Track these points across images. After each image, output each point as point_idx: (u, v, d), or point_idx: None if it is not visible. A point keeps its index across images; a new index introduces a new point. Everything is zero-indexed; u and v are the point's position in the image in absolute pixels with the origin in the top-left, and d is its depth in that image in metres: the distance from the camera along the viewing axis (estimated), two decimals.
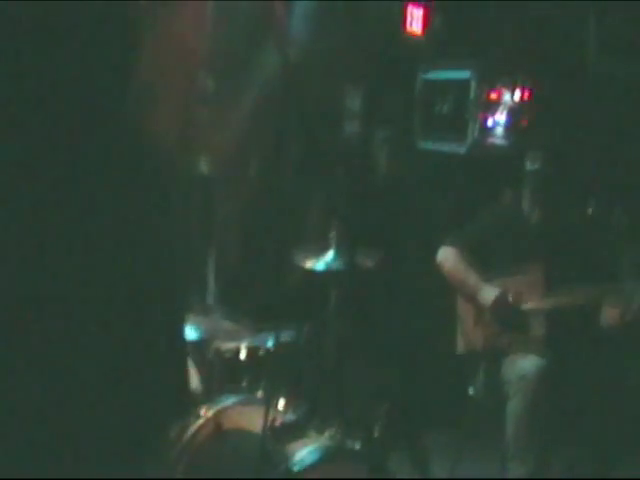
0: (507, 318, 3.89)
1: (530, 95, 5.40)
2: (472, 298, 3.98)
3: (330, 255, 3.48)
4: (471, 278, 3.98)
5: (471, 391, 4.04)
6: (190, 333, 3.24)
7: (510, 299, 3.90)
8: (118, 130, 1.71)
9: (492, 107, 5.28)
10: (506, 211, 4.20)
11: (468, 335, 4.01)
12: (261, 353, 3.28)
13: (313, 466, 2.69)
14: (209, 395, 3.14)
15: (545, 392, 3.68)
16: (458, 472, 4.10)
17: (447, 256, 4.06)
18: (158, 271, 1.80)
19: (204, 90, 3.62)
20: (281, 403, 3.06)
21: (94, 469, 1.70)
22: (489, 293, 3.91)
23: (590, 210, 3.94)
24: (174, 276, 1.89)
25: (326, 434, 2.88)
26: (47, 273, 1.64)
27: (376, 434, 1.73)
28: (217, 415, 2.97)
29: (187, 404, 2.54)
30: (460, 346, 4.06)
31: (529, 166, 4.06)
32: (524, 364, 3.77)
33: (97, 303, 1.68)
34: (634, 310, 3.76)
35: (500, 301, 3.88)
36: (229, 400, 3.05)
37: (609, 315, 3.81)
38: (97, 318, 1.69)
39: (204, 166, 3.91)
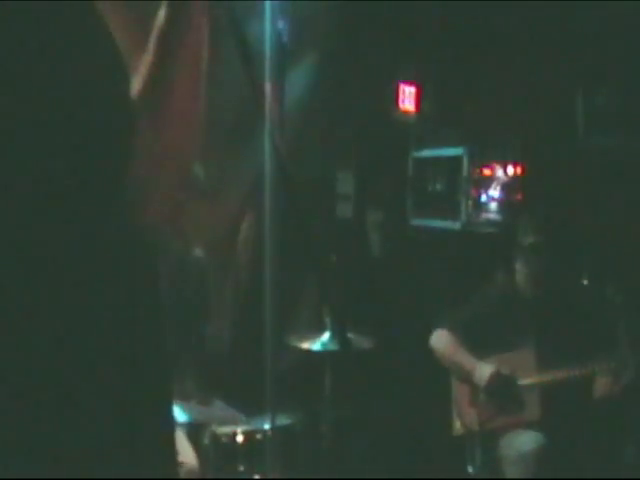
0: (502, 396, 3.87)
1: (523, 170, 5.46)
2: (467, 379, 3.96)
3: (326, 336, 3.50)
4: (465, 359, 3.97)
5: (470, 469, 4.01)
6: (186, 418, 3.23)
7: (505, 376, 3.88)
8: (109, 210, 1.72)
9: (485, 182, 5.34)
10: (498, 290, 4.20)
11: (464, 416, 3.99)
12: (258, 437, 3.27)
13: None
14: (204, 478, 3.12)
15: (544, 472, 3.64)
16: None
17: (440, 339, 4.06)
18: (147, 353, 1.79)
19: (194, 179, 3.66)
20: None
21: None
22: (483, 372, 3.90)
23: (585, 283, 3.94)
24: (165, 358, 1.88)
25: None
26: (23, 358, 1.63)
27: None
28: None
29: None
30: (456, 428, 4.03)
31: (522, 240, 4.09)
32: (522, 440, 3.74)
33: (83, 388, 1.67)
34: (625, 379, 3.75)
35: (495, 378, 3.87)
36: None
37: (601, 385, 3.80)
38: (82, 403, 1.67)
39: (198, 251, 3.94)
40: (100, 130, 1.66)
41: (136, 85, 1.66)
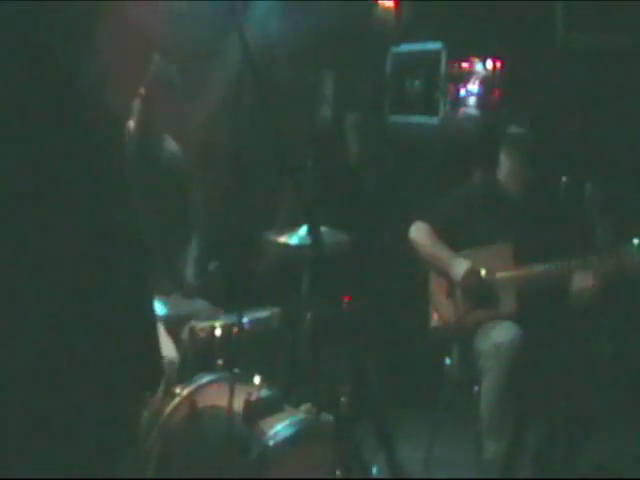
0: (478, 291, 3.89)
1: (502, 65, 5.39)
2: (444, 272, 3.97)
3: (304, 229, 3.48)
4: (442, 252, 3.98)
5: (447, 361, 4.05)
6: (165, 312, 3.24)
7: (481, 272, 3.90)
8: (75, 108, 1.69)
9: (464, 77, 5.28)
10: (477, 185, 4.18)
11: (441, 310, 4.01)
12: (236, 331, 3.27)
13: (288, 440, 2.69)
14: (184, 374, 3.14)
15: (519, 365, 3.68)
16: (434, 451, 4.13)
17: (419, 232, 4.05)
18: (126, 250, 1.78)
19: (170, 78, 3.60)
20: (256, 379, 3.05)
21: (64, 453, 1.69)
22: (460, 266, 3.90)
23: (564, 180, 3.92)
24: (142, 256, 1.87)
25: (301, 409, 2.88)
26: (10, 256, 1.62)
27: (342, 409, 1.73)
28: (192, 394, 2.97)
29: (159, 383, 2.53)
30: (433, 321, 4.06)
31: (503, 134, 4.06)
32: (498, 333, 3.76)
33: (62, 283, 1.66)
34: (602, 275, 3.77)
35: (471, 274, 3.88)
36: (204, 379, 3.05)
37: (579, 283, 3.82)
38: (62, 298, 1.66)
39: (177, 147, 3.90)
40: None
41: None
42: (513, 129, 4.05)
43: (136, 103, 3.46)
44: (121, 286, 1.76)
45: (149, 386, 1.97)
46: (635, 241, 3.75)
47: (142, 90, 3.42)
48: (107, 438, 1.79)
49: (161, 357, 2.05)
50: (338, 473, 1.74)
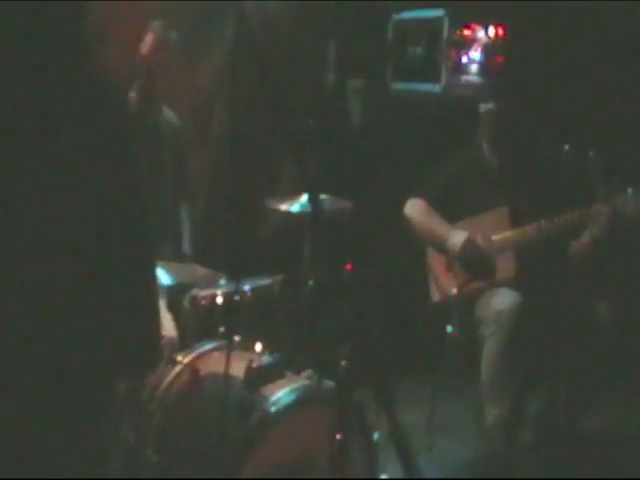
0: (477, 261, 3.89)
1: (504, 31, 5.35)
2: (441, 246, 3.97)
3: (305, 197, 3.47)
4: (439, 227, 3.96)
5: (449, 329, 4.06)
6: (166, 280, 3.24)
7: (478, 242, 3.89)
8: (74, 73, 1.68)
9: (466, 44, 5.24)
10: (472, 155, 4.15)
11: (440, 282, 4.01)
12: (237, 299, 3.28)
13: (290, 406, 2.71)
14: (186, 342, 3.15)
15: (520, 330, 3.69)
16: (435, 417, 4.15)
17: (414, 209, 4.03)
18: (126, 217, 1.78)
19: (168, 43, 3.58)
20: (258, 346, 3.07)
21: (64, 419, 1.69)
22: (457, 238, 3.89)
23: (566, 148, 3.91)
24: (143, 222, 1.87)
25: (303, 375, 2.90)
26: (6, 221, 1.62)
27: (342, 374, 1.74)
28: (194, 361, 2.98)
29: (160, 351, 2.54)
30: (433, 294, 4.06)
31: (483, 107, 4.04)
32: (498, 300, 3.77)
33: (61, 249, 1.66)
34: (599, 238, 3.77)
35: (468, 245, 3.87)
36: (206, 346, 3.07)
37: (575, 244, 3.82)
38: (62, 266, 1.66)
39: (175, 116, 3.89)
40: None
41: None
42: (486, 106, 4.03)
43: (136, 71, 3.45)
44: (123, 258, 1.75)
45: (148, 366, 1.97)
46: (629, 190, 3.74)
47: (141, 58, 3.41)
48: (105, 408, 1.79)
49: (160, 338, 2.06)
50: (338, 437, 1.76)
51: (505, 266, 3.89)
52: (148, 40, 3.49)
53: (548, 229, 3.82)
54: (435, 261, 4.04)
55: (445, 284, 3.99)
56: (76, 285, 1.67)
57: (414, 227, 4.03)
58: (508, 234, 3.88)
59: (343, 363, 1.76)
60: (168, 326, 3.14)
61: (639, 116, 5.07)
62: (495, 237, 3.90)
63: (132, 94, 3.55)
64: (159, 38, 3.51)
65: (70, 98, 1.65)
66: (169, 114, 3.84)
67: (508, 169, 4.00)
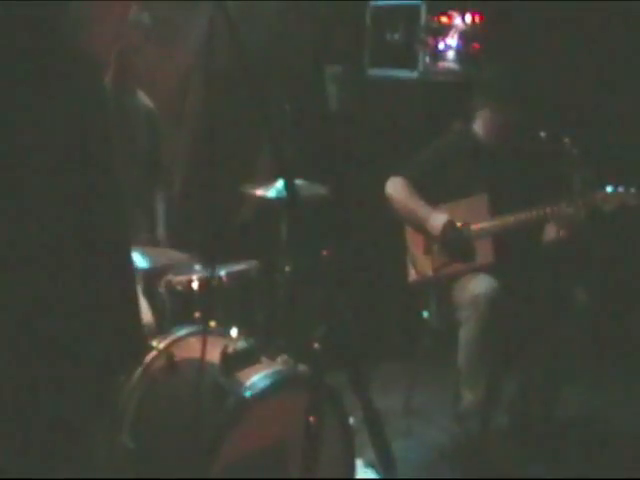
0: (455, 244, 3.90)
1: (481, 18, 5.36)
2: (421, 227, 3.98)
3: (281, 183, 3.46)
4: (419, 207, 3.97)
5: (425, 314, 4.08)
6: (142, 265, 3.24)
7: (457, 225, 3.91)
8: (55, 52, 1.67)
9: (443, 31, 5.24)
10: (453, 138, 4.17)
11: (418, 264, 4.03)
12: (213, 284, 3.28)
13: (265, 391, 2.71)
14: (162, 327, 3.15)
15: (496, 315, 3.71)
16: (412, 401, 4.17)
17: (395, 186, 4.05)
18: (102, 203, 1.77)
19: (140, 25, 3.56)
20: (233, 332, 3.07)
21: (41, 406, 1.68)
22: (437, 220, 3.91)
23: (542, 134, 3.92)
24: (119, 208, 1.86)
25: (278, 360, 2.90)
26: None
27: (316, 357, 1.74)
28: (169, 347, 2.98)
29: (139, 338, 2.53)
30: (411, 275, 4.07)
31: (484, 87, 4.07)
32: (475, 285, 3.79)
33: (37, 236, 1.65)
34: (576, 226, 3.79)
35: (448, 227, 3.89)
36: (181, 331, 3.06)
37: (552, 230, 3.85)
38: (37, 254, 1.65)
39: (149, 100, 3.87)
40: None
41: None
42: (488, 74, 4.07)
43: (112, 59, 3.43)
44: (101, 244, 1.75)
45: (133, 360, 1.96)
46: (608, 188, 3.77)
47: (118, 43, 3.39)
48: (82, 393, 1.78)
49: (142, 329, 2.05)
50: (311, 420, 1.76)
51: (482, 251, 3.91)
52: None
53: (526, 221, 3.84)
54: (413, 242, 4.05)
55: (422, 265, 4.00)
56: (56, 277, 1.66)
57: (394, 205, 4.05)
58: (486, 225, 3.90)
59: (316, 346, 1.75)
60: (144, 312, 3.14)
61: (618, 104, 5.09)
62: (475, 226, 3.91)
63: (106, 78, 3.53)
64: (132, 21, 3.49)
65: (47, 81, 1.64)
66: (144, 98, 3.82)
67: (498, 155, 4.02)
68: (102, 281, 1.75)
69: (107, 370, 1.82)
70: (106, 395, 1.88)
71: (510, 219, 3.86)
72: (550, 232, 3.86)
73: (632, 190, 3.76)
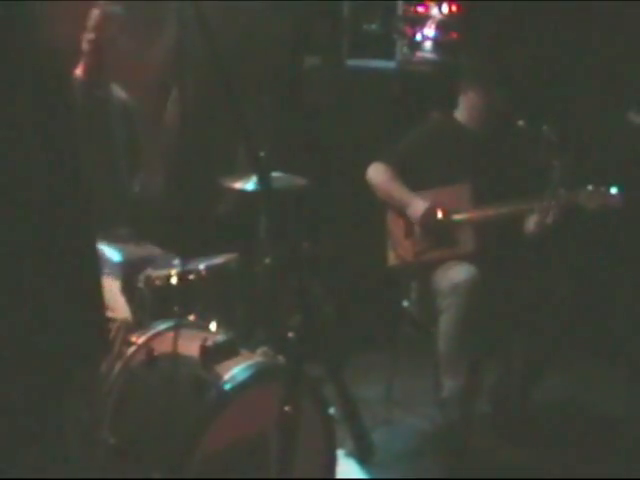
0: (436, 230, 3.93)
1: (458, 8, 5.37)
2: (402, 212, 4.00)
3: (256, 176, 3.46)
4: (401, 192, 3.99)
5: (405, 303, 4.10)
6: (120, 261, 3.24)
7: (438, 214, 3.93)
8: (19, 47, 1.67)
9: (420, 21, 5.26)
10: (435, 125, 4.19)
11: (399, 249, 4.04)
12: (192, 278, 3.29)
13: (245, 383, 2.72)
14: (141, 323, 3.15)
15: (476, 303, 3.73)
16: (393, 388, 4.19)
17: (377, 172, 4.06)
18: (70, 196, 1.77)
19: (114, 17, 3.55)
20: (212, 325, 3.08)
21: (13, 406, 1.68)
22: (418, 206, 3.93)
23: (521, 123, 3.94)
24: (87, 201, 1.85)
25: (258, 352, 2.91)
26: None
27: (290, 345, 1.76)
28: (148, 341, 2.99)
29: (106, 330, 2.53)
30: (391, 260, 4.09)
31: (465, 76, 4.09)
32: (455, 273, 3.81)
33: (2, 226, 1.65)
34: (556, 217, 3.81)
35: (429, 213, 3.91)
36: (160, 326, 3.07)
37: (532, 221, 3.87)
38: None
39: (126, 94, 3.86)
40: None
41: None
42: (473, 58, 4.08)
43: (83, 48, 3.42)
44: (66, 232, 1.75)
45: (96, 346, 1.96)
46: (589, 187, 3.80)
47: (89, 34, 3.38)
48: (55, 390, 1.78)
49: (106, 319, 2.05)
50: (287, 409, 1.77)
51: (464, 239, 3.93)
52: (94, 14, 3.45)
53: (509, 214, 3.87)
54: (395, 228, 4.07)
55: (403, 249, 4.02)
56: (21, 265, 1.66)
57: (376, 191, 4.06)
58: (469, 215, 3.92)
59: (291, 335, 1.77)
60: (121, 307, 3.14)
61: (595, 96, 5.11)
62: (456, 216, 3.93)
63: (78, 70, 3.51)
64: (104, 12, 3.48)
65: (14, 71, 1.64)
66: (120, 92, 3.80)
67: (479, 144, 4.04)
68: (65, 270, 1.75)
69: (69, 360, 1.82)
70: (72, 385, 1.87)
71: (491, 211, 3.88)
72: (531, 223, 3.88)
73: (613, 191, 3.79)
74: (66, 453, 1.77)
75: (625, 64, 5.02)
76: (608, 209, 3.77)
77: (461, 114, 4.12)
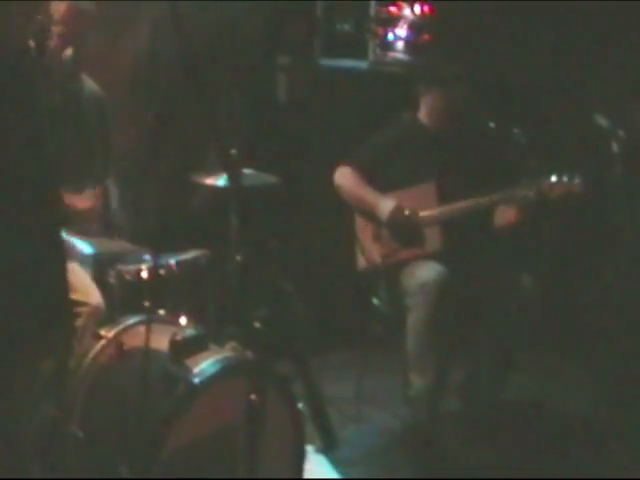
0: (403, 230, 3.95)
1: (431, 10, 5.41)
2: (369, 214, 4.02)
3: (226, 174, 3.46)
4: (368, 195, 4.02)
5: (375, 301, 4.12)
6: (91, 255, 3.24)
7: (406, 212, 3.95)
8: None
9: (392, 22, 5.29)
10: (400, 127, 4.22)
11: (367, 251, 4.06)
12: (162, 273, 3.29)
13: (214, 377, 2.73)
14: (112, 317, 3.15)
15: (444, 301, 3.76)
16: (363, 386, 4.21)
17: (343, 176, 4.09)
18: (38, 185, 1.77)
19: (85, 12, 3.53)
20: (182, 320, 3.08)
21: None
22: (385, 206, 3.95)
23: (492, 125, 3.98)
24: (46, 174, 1.85)
25: (227, 347, 2.92)
26: None
27: (256, 336, 1.77)
28: (118, 335, 2.99)
29: (67, 325, 2.53)
30: (360, 263, 4.11)
31: (431, 76, 4.12)
32: (423, 272, 3.84)
33: None
34: (524, 213, 3.86)
35: (396, 213, 3.93)
36: (130, 320, 3.07)
37: (503, 216, 3.91)
38: None
39: (98, 88, 3.84)
40: None
41: None
42: (428, 60, 4.12)
43: (52, 43, 3.40)
44: (32, 222, 1.75)
45: (57, 327, 1.96)
46: (553, 177, 3.84)
47: (58, 27, 3.36)
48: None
49: (69, 299, 2.04)
50: (253, 397, 1.78)
51: (431, 238, 3.96)
52: (62, 6, 3.43)
53: (475, 209, 3.90)
54: (363, 232, 4.09)
55: (371, 253, 4.04)
56: None
57: (344, 195, 4.08)
58: (434, 212, 3.95)
59: (257, 325, 1.78)
60: (94, 294, 3.14)
61: (566, 96, 5.16)
62: (423, 214, 3.96)
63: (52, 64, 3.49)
64: (72, 7, 3.46)
65: None
66: (90, 83, 3.79)
67: (446, 144, 4.07)
68: (28, 252, 1.75)
69: (30, 334, 1.82)
70: (30, 359, 1.87)
71: (457, 206, 3.92)
72: (500, 216, 3.92)
73: (576, 180, 3.83)
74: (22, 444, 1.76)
75: (593, 68, 5.08)
76: (571, 199, 3.82)
77: (423, 115, 4.16)
